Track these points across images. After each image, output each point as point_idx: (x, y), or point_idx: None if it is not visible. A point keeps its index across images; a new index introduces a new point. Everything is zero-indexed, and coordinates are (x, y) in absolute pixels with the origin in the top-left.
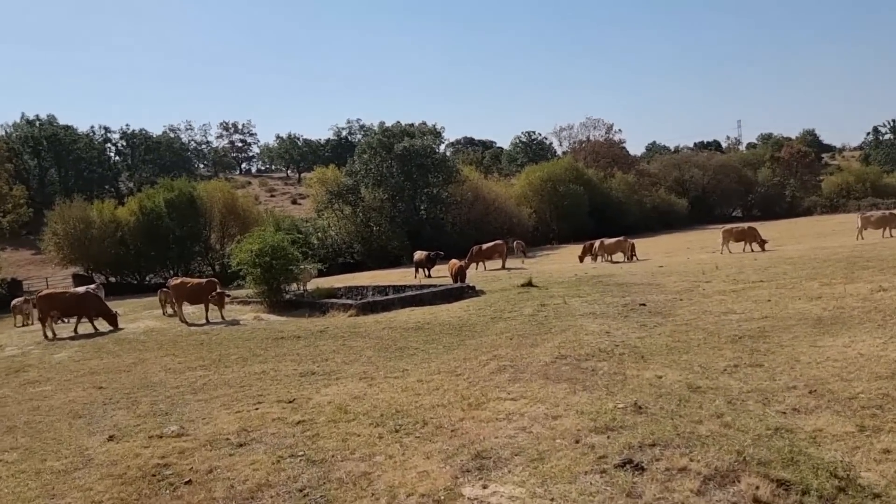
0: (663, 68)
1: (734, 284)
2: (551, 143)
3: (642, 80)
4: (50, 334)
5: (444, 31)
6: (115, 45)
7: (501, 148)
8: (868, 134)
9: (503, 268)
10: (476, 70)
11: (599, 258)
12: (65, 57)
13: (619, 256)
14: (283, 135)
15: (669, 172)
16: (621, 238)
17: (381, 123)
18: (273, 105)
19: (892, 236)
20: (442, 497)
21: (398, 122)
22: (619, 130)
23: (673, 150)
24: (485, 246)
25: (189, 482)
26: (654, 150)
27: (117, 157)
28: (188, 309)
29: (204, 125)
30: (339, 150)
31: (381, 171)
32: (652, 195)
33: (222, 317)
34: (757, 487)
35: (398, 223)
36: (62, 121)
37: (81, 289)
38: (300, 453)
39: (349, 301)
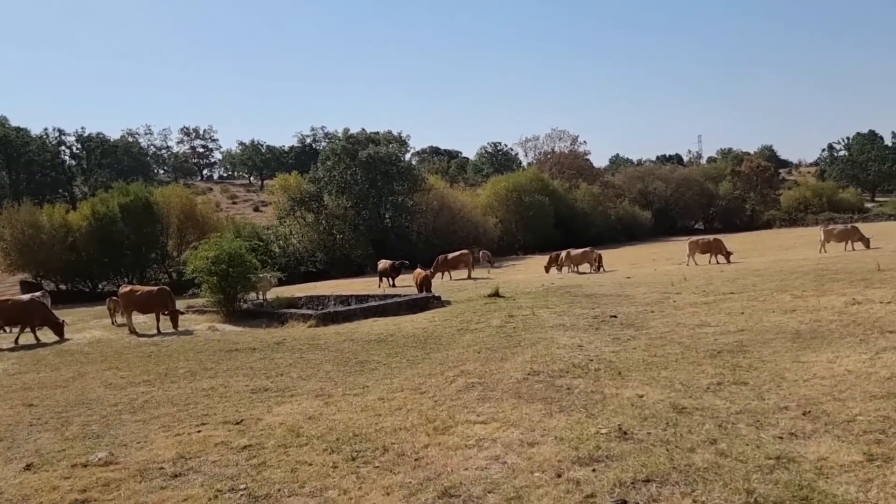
0: (626, 83)
1: (705, 296)
2: (517, 154)
3: (606, 94)
4: None
5: (411, 40)
6: (73, 47)
7: (467, 158)
8: (823, 150)
9: (469, 277)
10: (442, 79)
11: (566, 269)
12: (21, 58)
13: (585, 267)
14: (246, 141)
15: (633, 185)
16: (588, 249)
17: (346, 130)
18: (236, 111)
19: (853, 249)
20: None
21: (363, 129)
22: (584, 142)
23: (636, 162)
24: (450, 255)
25: None
26: (617, 162)
27: (72, 161)
28: (139, 318)
29: (164, 130)
30: (302, 157)
31: (344, 179)
32: (616, 207)
33: (175, 327)
34: None
35: (362, 231)
36: (14, 123)
37: (26, 296)
38: (242, 486)
39: (309, 311)
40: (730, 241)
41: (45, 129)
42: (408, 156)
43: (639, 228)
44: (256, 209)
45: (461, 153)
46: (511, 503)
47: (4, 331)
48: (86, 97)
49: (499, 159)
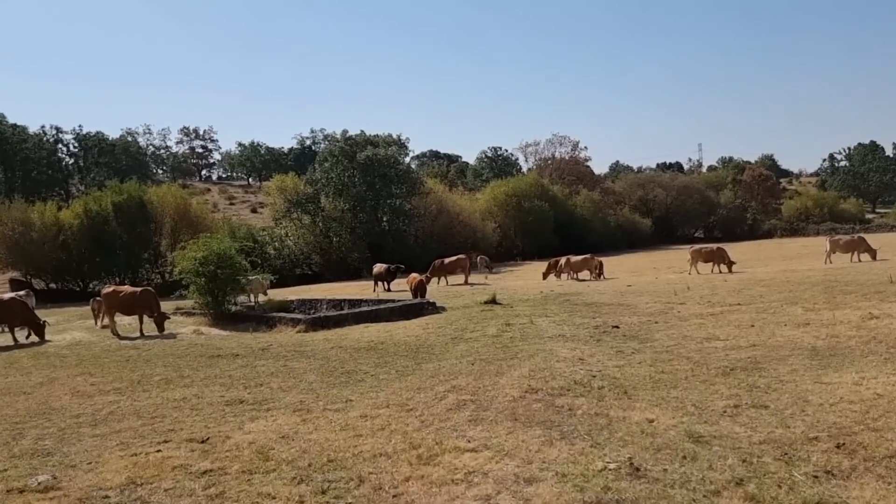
0: (627, 90)
1: (710, 307)
2: (517, 159)
3: (608, 100)
4: None
5: (412, 44)
6: (74, 49)
7: (467, 162)
8: (824, 161)
9: (466, 283)
10: (443, 83)
11: (565, 275)
12: (23, 60)
13: (584, 274)
14: (246, 142)
15: (634, 192)
16: (588, 256)
17: (345, 132)
18: (236, 112)
19: (860, 261)
20: None
21: (362, 131)
22: (585, 148)
23: (636, 170)
24: (447, 260)
25: None
26: (617, 169)
27: (69, 160)
28: (124, 320)
29: (163, 129)
30: (301, 159)
31: (342, 181)
32: (616, 214)
33: (161, 331)
34: None
35: (359, 234)
36: (12, 121)
37: (7, 295)
38: None
39: (298, 315)
40: (731, 250)
41: (43, 126)
42: (407, 159)
43: (638, 236)
44: (254, 210)
45: (461, 157)
46: None
47: None
48: (86, 98)
49: (499, 164)
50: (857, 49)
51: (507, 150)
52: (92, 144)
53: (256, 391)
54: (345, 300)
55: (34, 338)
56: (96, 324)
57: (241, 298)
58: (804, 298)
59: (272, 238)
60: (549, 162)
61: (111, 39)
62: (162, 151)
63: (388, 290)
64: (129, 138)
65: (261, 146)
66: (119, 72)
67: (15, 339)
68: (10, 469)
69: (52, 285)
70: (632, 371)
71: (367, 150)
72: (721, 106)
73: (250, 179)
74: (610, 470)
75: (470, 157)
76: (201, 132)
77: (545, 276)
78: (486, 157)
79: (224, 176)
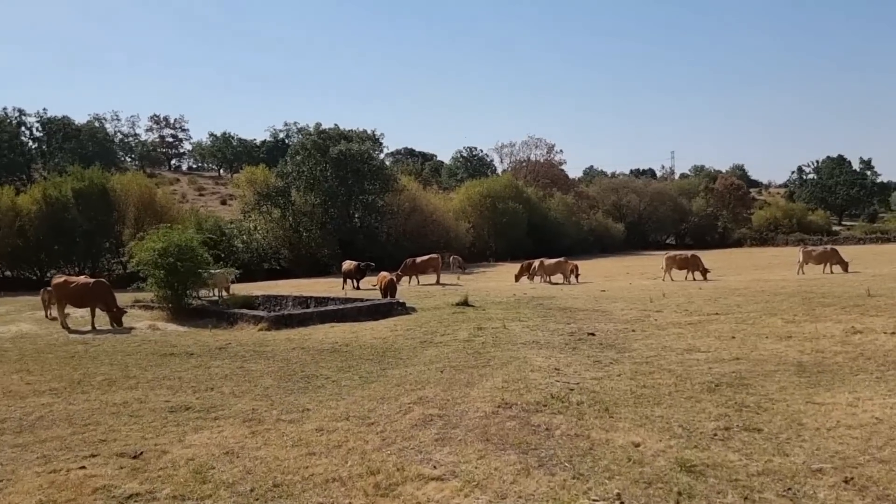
0: (602, 95)
1: (688, 316)
2: (492, 160)
3: (581, 104)
4: None
5: (390, 40)
6: (44, 32)
7: (442, 161)
8: (793, 172)
9: (438, 283)
10: (420, 81)
11: (538, 278)
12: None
13: (557, 278)
14: (218, 133)
15: (607, 196)
16: (562, 259)
17: (318, 125)
18: (209, 102)
19: (832, 272)
20: None
21: (336, 125)
22: (560, 151)
23: (610, 175)
24: (419, 259)
25: None
26: (591, 173)
27: (33, 144)
28: (77, 312)
29: (132, 116)
30: (274, 152)
31: (314, 175)
32: (590, 218)
33: (118, 325)
34: None
35: (329, 230)
36: None
37: None
38: None
39: (261, 313)
40: (703, 258)
41: (4, 108)
42: (381, 155)
43: (611, 241)
44: (224, 202)
45: (436, 156)
46: None
47: None
48: (52, 82)
49: (473, 164)
50: (828, 66)
51: (482, 151)
52: (56, 129)
53: (206, 396)
54: (311, 297)
55: None
56: (46, 315)
57: (204, 292)
58: (782, 310)
59: (240, 231)
60: (524, 164)
61: (83, 25)
62: (130, 139)
63: (358, 288)
64: (97, 124)
65: (233, 137)
66: (89, 56)
67: None
68: None
69: (7, 273)
70: (611, 384)
71: (340, 145)
72: (694, 115)
73: (221, 171)
74: None
75: (445, 156)
76: (172, 121)
77: (518, 278)
78: (461, 156)
79: (194, 166)
